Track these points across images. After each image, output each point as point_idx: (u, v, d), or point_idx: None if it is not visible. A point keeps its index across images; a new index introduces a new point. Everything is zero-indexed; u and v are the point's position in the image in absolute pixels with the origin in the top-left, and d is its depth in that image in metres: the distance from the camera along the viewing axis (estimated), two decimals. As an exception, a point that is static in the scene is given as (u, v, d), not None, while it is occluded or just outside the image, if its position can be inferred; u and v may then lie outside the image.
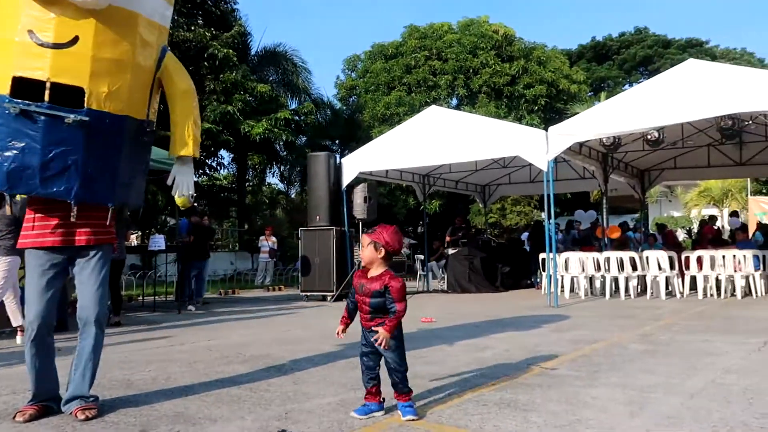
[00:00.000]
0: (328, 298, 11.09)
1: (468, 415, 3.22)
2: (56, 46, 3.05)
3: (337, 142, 25.52)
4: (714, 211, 25.78)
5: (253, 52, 23.08)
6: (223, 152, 22.60)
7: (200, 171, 21.41)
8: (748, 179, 25.04)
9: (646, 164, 14.91)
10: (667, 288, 10.35)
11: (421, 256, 14.46)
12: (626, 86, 42.35)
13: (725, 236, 15.60)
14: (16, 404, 3.51)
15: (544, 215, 21.94)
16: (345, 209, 11.72)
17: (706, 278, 10.15)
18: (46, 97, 3.04)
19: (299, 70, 23.19)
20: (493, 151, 10.94)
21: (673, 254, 10.58)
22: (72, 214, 3.31)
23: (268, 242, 17.28)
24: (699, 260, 10.24)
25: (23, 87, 3.04)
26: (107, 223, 3.49)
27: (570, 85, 26.19)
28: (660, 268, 10.32)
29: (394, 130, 12.37)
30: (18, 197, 6.60)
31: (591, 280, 11.06)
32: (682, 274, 10.51)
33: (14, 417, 3.22)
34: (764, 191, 28.60)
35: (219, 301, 12.06)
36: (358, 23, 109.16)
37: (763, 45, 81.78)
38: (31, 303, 3.26)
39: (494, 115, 20.17)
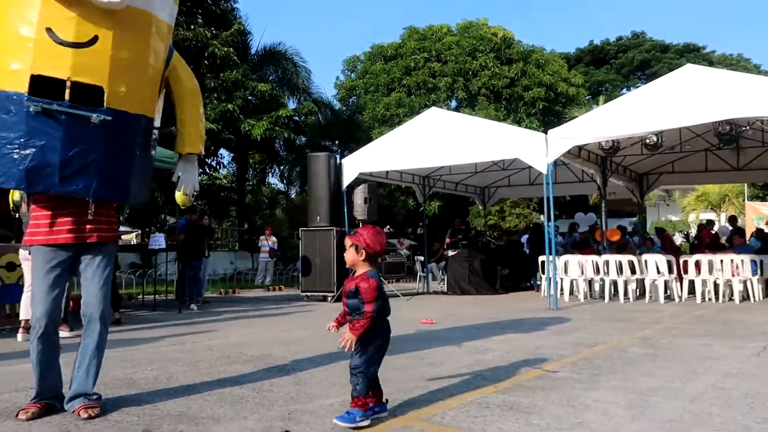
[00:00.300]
0: (329, 298, 11.10)
1: (470, 417, 3.24)
2: (76, 45, 3.04)
3: (336, 142, 25.55)
4: (711, 216, 25.84)
5: (253, 51, 23.09)
6: (223, 151, 22.62)
7: (200, 170, 21.38)
8: (745, 184, 25.13)
9: (645, 168, 14.96)
10: (665, 292, 10.38)
11: (421, 258, 14.46)
12: (624, 90, 42.47)
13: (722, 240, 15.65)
14: (18, 402, 3.52)
15: (543, 218, 21.99)
16: (345, 210, 11.72)
17: (704, 282, 10.18)
18: (67, 96, 3.04)
19: (299, 70, 23.22)
20: (493, 153, 10.96)
21: (672, 258, 10.61)
22: (90, 211, 3.34)
23: (268, 242, 17.28)
24: (697, 264, 10.27)
25: (39, 85, 3.04)
26: (113, 221, 3.52)
27: (568, 88, 26.27)
28: (659, 272, 10.35)
29: (395, 131, 12.38)
30: (18, 195, 6.62)
31: (590, 283, 11.08)
32: (680, 278, 10.54)
33: (17, 415, 3.23)
34: (761, 196, 28.69)
35: (219, 300, 12.05)
36: (357, 24, 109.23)
37: (760, 51, 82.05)
38: (38, 300, 3.27)
39: (493, 118, 20.20)
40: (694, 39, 65.93)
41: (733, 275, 9.97)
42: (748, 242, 12.20)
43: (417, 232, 26.97)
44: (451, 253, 13.92)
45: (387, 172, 12.79)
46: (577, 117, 12.44)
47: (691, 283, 10.43)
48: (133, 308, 10.09)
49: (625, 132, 9.55)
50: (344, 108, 27.45)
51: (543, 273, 11.05)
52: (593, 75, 43.81)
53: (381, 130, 21.53)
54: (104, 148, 3.21)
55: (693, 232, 23.82)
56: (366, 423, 3.03)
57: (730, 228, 14.54)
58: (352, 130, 24.20)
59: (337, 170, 11.86)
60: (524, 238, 15.54)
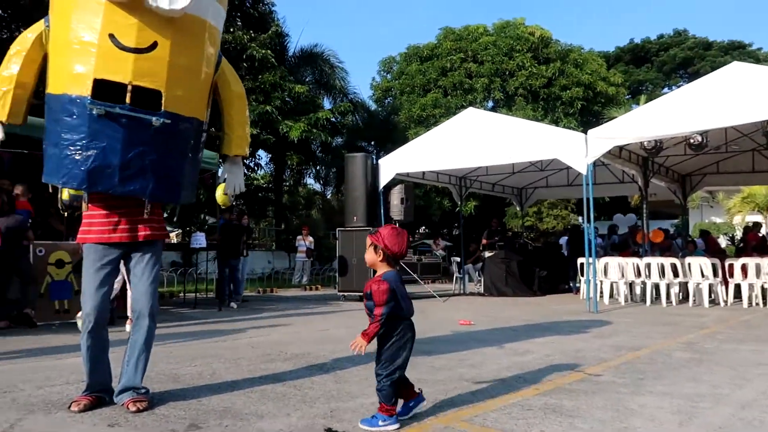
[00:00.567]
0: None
1: (513, 419, 3.21)
2: (137, 50, 3.15)
3: (372, 143, 25.62)
4: (758, 218, 25.06)
5: (290, 53, 23.30)
6: (261, 152, 22.89)
7: (240, 171, 21.68)
8: (794, 185, 24.29)
9: (688, 169, 14.60)
10: (710, 296, 10.12)
11: (458, 259, 14.40)
12: (665, 89, 41.51)
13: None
14: (69, 394, 3.63)
15: (581, 219, 21.64)
16: (382, 210, 11.75)
17: (751, 286, 9.88)
18: (128, 100, 3.14)
19: (336, 71, 23.32)
20: (531, 153, 10.86)
21: (717, 261, 10.33)
22: (146, 211, 3.44)
23: (305, 242, 17.44)
24: (743, 268, 9.97)
25: (101, 89, 3.14)
26: (162, 219, 3.62)
27: (607, 87, 25.80)
28: (703, 275, 10.09)
29: (431, 131, 12.36)
30: (66, 195, 6.83)
31: (631, 286, 10.87)
32: (725, 282, 10.25)
33: (69, 406, 3.33)
34: (811, 198, 27.70)
35: (258, 299, 12.22)
36: (393, 25, 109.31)
37: (811, 47, 79.02)
38: (88, 296, 3.37)
39: (531, 118, 19.98)
40: (739, 36, 64.15)
41: (781, 279, 9.66)
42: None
43: (452, 233, 26.90)
44: (487, 254, 13.82)
45: (423, 172, 12.78)
46: (616, 117, 12.22)
47: (737, 287, 10.13)
48: (175, 306, 10.30)
49: (669, 131, 9.34)
50: (380, 109, 27.50)
51: (582, 275, 10.89)
52: (633, 74, 42.96)
53: (417, 130, 21.50)
54: (160, 150, 3.31)
55: (738, 234, 23.13)
56: (394, 427, 3.00)
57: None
58: (388, 131, 24.23)
59: (374, 171, 11.91)
60: (562, 240, 15.32)
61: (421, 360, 4.85)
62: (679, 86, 37.85)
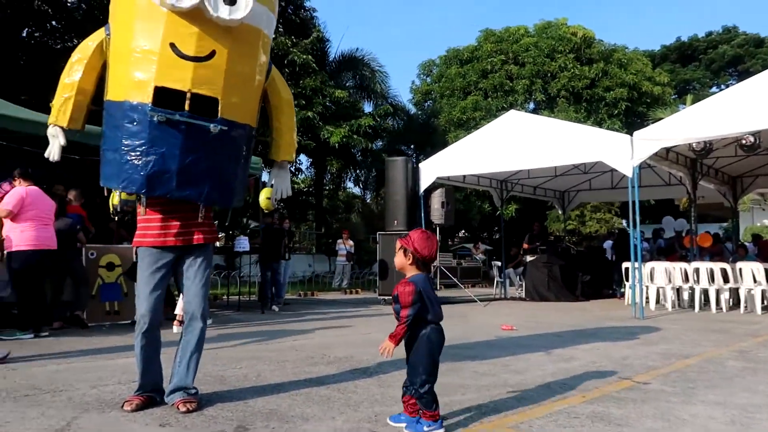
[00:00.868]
0: (405, 302, 11.12)
1: (559, 426, 3.17)
2: (196, 59, 3.25)
3: (412, 146, 25.62)
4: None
5: (331, 57, 23.53)
6: (302, 157, 23.15)
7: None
8: None
9: (739, 170, 14.12)
10: (762, 302, 9.77)
11: (498, 263, 14.28)
12: (713, 88, 40.34)
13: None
14: (121, 394, 3.74)
15: (625, 223, 21.16)
16: (422, 214, 11.74)
17: (807, 293, 9.51)
18: (187, 107, 3.24)
19: (377, 75, 23.43)
20: (574, 156, 10.66)
21: (770, 266, 9.97)
22: (201, 215, 3.55)
23: (345, 246, 17.55)
24: (799, 273, 9.60)
25: (161, 96, 3.24)
26: (213, 223, 3.72)
27: (653, 87, 25.17)
28: (755, 281, 9.75)
29: (472, 135, 12.28)
30: (116, 200, 7.05)
31: (678, 291, 10.58)
32: (779, 288, 9.89)
33: (122, 406, 3.43)
34: None
35: (299, 302, 12.36)
36: (433, 28, 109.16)
37: None
38: (142, 298, 3.47)
39: (573, 120, 19.68)
40: (793, 32, 61.74)
41: (840, 286, 9.26)
42: None
43: (492, 237, 26.68)
44: (529, 258, 13.66)
45: (464, 176, 12.71)
46: (662, 118, 11.92)
47: (792, 293, 9.76)
48: (219, 308, 10.49)
49: (719, 132, 9.06)
50: (419, 112, 27.48)
51: (627, 280, 10.66)
52: (679, 73, 41.87)
53: (457, 133, 21.41)
54: (216, 156, 3.40)
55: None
56: None
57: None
58: (427, 135, 24.20)
59: (414, 174, 11.91)
60: (607, 244, 15.03)
61: (464, 365, 4.83)
62: (728, 85, 36.74)
